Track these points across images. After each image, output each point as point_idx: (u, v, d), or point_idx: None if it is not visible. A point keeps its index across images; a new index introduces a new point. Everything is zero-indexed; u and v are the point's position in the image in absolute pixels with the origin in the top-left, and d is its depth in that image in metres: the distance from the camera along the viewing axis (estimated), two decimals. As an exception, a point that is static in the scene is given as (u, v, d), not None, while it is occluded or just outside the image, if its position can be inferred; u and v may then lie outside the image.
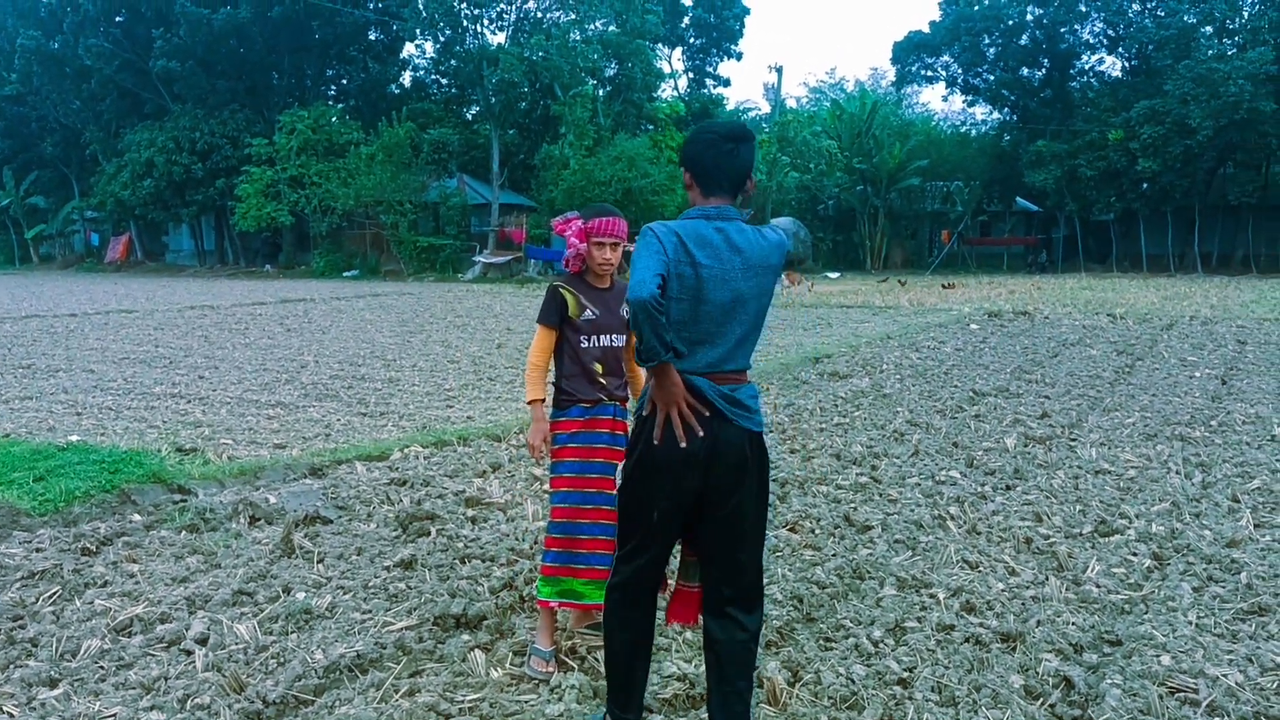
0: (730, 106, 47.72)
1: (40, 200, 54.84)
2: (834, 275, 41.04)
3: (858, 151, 45.70)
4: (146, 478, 6.64)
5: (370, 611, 4.66)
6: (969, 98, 49.33)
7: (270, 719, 3.69)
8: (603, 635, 3.70)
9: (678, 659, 4.12)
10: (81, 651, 4.20)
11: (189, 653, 4.20)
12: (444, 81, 47.74)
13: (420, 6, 39.00)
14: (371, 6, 45.55)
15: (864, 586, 5.01)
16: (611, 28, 40.48)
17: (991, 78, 47.07)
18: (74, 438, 8.21)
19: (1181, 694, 3.79)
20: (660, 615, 3.74)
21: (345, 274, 41.68)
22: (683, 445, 3.16)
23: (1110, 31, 45.25)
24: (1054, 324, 19.33)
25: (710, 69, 46.58)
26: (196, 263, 50.28)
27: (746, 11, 45.55)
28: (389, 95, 47.46)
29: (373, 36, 48.11)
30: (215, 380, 12.09)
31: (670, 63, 46.68)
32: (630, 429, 3.50)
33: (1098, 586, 4.94)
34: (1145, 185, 42.42)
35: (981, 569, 5.26)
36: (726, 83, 50.87)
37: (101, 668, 4.08)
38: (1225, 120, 38.06)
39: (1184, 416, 9.48)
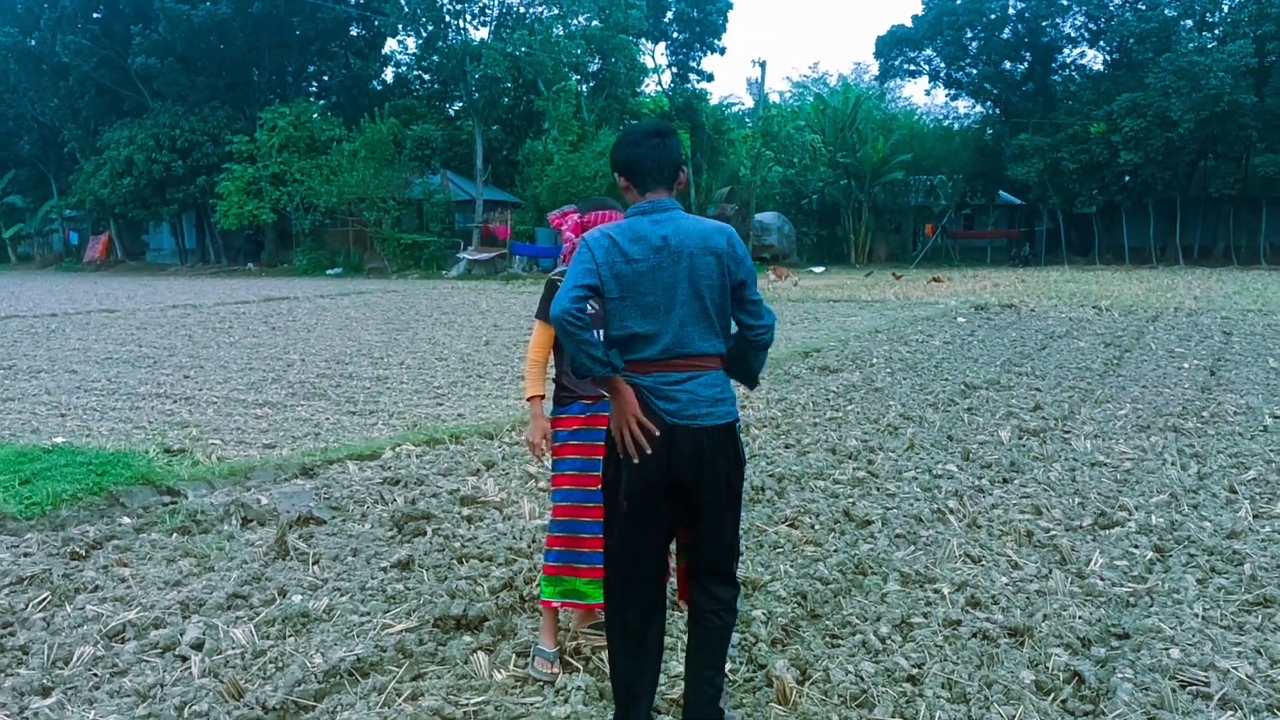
0: (714, 101, 47.64)
1: (18, 199, 54.36)
2: (819, 270, 41.08)
3: (841, 146, 45.75)
4: (135, 479, 6.53)
5: (369, 614, 4.58)
6: (952, 91, 49.51)
7: (270, 725, 3.62)
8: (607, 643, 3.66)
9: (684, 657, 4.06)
10: (74, 659, 4.11)
11: (184, 659, 4.11)
12: (426, 77, 47.53)
13: (402, 2, 38.76)
14: (353, 2, 45.26)
15: (867, 582, 4.96)
16: (595, 22, 40.34)
17: (974, 71, 47.19)
18: (59, 439, 8.09)
19: (1193, 687, 3.76)
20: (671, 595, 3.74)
21: (328, 272, 41.43)
22: (635, 461, 3.23)
23: (1092, 25, 45.46)
24: (1040, 317, 19.37)
25: (694, 64, 46.41)
26: (178, 261, 49.89)
27: (729, 6, 45.39)
28: (371, 91, 47.18)
29: (354, 32, 47.86)
30: (201, 380, 11.96)
31: (654, 58, 46.55)
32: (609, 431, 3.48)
33: (1102, 580, 4.91)
34: (1127, 178, 42.66)
35: (984, 563, 5.22)
36: (710, 78, 50.79)
37: (95, 675, 3.99)
38: (1206, 113, 38.27)
39: (1175, 408, 9.49)
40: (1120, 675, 3.83)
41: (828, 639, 4.30)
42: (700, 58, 46.73)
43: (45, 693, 3.84)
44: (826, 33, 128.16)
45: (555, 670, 4.00)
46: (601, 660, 4.09)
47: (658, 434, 3.21)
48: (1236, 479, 6.84)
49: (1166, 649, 4.07)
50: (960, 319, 18.91)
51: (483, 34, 41.40)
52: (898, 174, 45.61)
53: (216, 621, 4.45)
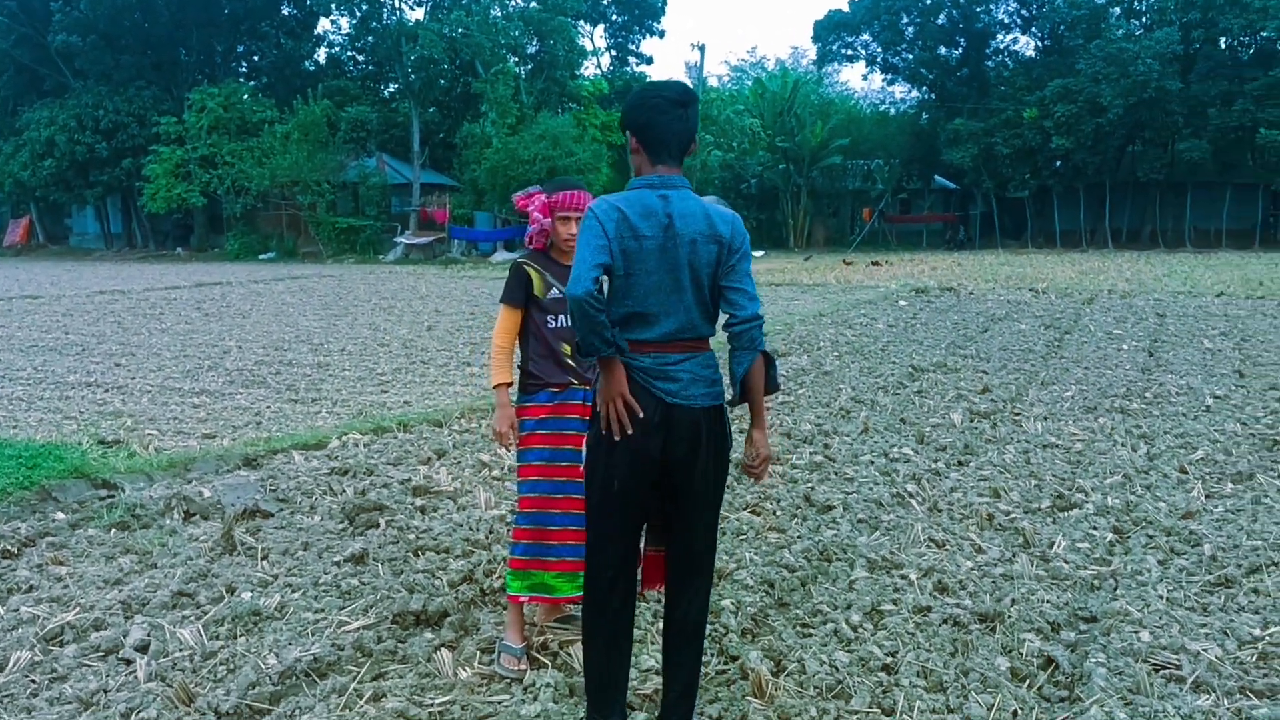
0: (653, 84, 47.39)
1: (-68, 181, 52.32)
2: (758, 254, 41.16)
3: (780, 130, 45.85)
4: (68, 472, 6.23)
5: (323, 610, 4.40)
6: (888, 76, 49.94)
7: (225, 731, 3.44)
8: (580, 632, 3.52)
9: (654, 651, 3.96)
10: (10, 664, 3.87)
11: (129, 662, 3.91)
12: (361, 58, 46.65)
13: (335, -20, 38.02)
14: (284, -20, 44.29)
15: (833, 569, 4.90)
16: (533, 4, 39.93)
17: (910, 56, 47.63)
18: (-15, 431, 7.74)
19: (1166, 670, 3.75)
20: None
21: (261, 256, 40.55)
22: (616, 438, 3.12)
23: (1024, 11, 46.11)
24: (979, 299, 19.58)
25: (633, 47, 46.31)
26: (103, 246, 48.46)
27: (668, -11, 45.30)
28: (303, 72, 46.18)
29: (285, 11, 46.76)
30: (133, 368, 11.56)
31: (592, 40, 46.30)
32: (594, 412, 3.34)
33: (1066, 562, 4.91)
34: (1059, 163, 43.43)
35: (949, 547, 5.19)
36: (649, 61, 50.60)
37: (33, 681, 3.77)
38: (1134, 99, 39.05)
39: (1119, 389, 9.61)
40: (1094, 660, 3.80)
41: (799, 628, 4.22)
42: (639, 41, 46.71)
43: (-20, 702, 3.62)
44: (765, 17, 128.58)
45: (522, 667, 3.87)
46: (569, 655, 3.97)
47: (642, 415, 3.11)
48: (1185, 459, 6.92)
49: (1136, 632, 4.06)
50: (902, 302, 19.05)
51: (418, 14, 40.84)
52: (835, 158, 45.82)
53: (162, 622, 4.24)
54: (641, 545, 3.46)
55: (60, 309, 19.10)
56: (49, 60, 43.98)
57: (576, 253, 3.07)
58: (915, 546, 5.17)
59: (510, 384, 4.08)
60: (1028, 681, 3.73)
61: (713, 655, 3.96)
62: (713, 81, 55.63)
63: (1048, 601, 4.45)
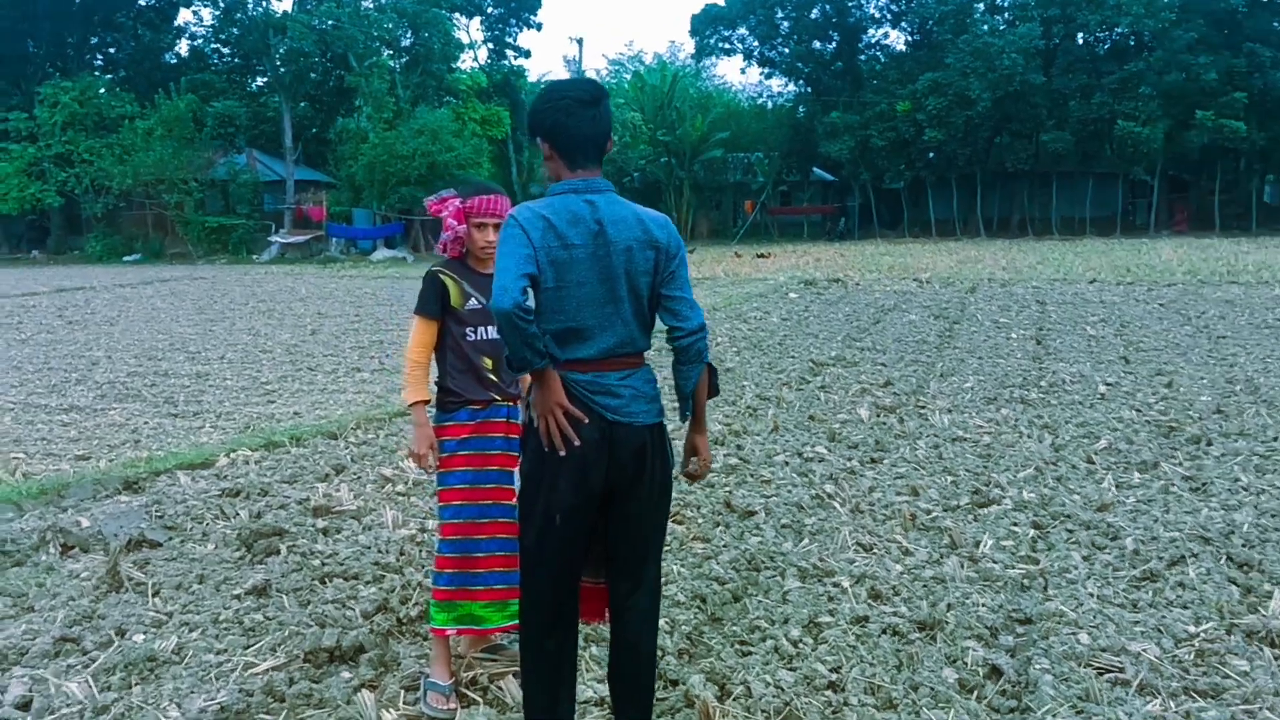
0: (532, 78, 46.93)
1: None
2: (643, 247, 41.11)
3: (661, 124, 45.90)
4: (-75, 506, 5.69)
5: (226, 651, 4.05)
6: (765, 70, 50.41)
7: (125, 801, 3.10)
8: (511, 662, 3.28)
9: (591, 680, 3.75)
10: None
11: (8, 724, 3.51)
12: (226, 51, 44.72)
13: (195, -31, 36.44)
14: (139, -32, 42.23)
15: (763, 579, 4.76)
16: (407, -5, 39.04)
17: (786, 50, 48.21)
18: None
19: (1110, 674, 3.71)
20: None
21: (126, 258, 38.60)
22: (561, 453, 2.89)
23: (894, 6, 47.18)
24: (867, 290, 19.88)
25: (510, 39, 45.58)
26: (-51, 250, 45.48)
27: (544, -19, 44.83)
28: (164, 65, 44.08)
29: (143, 2, 44.55)
30: (-9, 383, 10.76)
31: (469, 33, 45.47)
32: (524, 435, 3.11)
33: (994, 563, 4.88)
34: (931, 154, 44.61)
35: (876, 551, 5.11)
36: (527, 54, 50.17)
37: (-105, 754, 3.35)
38: (1001, 92, 40.36)
39: (1016, 379, 9.78)
40: (1038, 666, 3.75)
41: (738, 646, 4.06)
42: (517, 33, 46.06)
43: None
44: (641, 11, 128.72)
45: (451, 705, 3.61)
46: (501, 690, 3.72)
47: (586, 421, 2.90)
48: (1090, 449, 7.03)
49: (1074, 634, 4.03)
50: (792, 295, 19.19)
51: (286, 5, 39.46)
52: (716, 152, 46.13)
53: (44, 673, 3.84)
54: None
55: (-95, 320, 17.77)
56: (-118, 52, 41.08)
57: (498, 262, 2.82)
58: (844, 552, 5.07)
59: (427, 401, 3.81)
60: (975, 693, 3.65)
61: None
62: (591, 74, 55.31)
63: (982, 605, 4.39)
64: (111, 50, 45.85)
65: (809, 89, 49.04)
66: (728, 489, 6.19)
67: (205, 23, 44.42)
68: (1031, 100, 41.48)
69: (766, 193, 49.69)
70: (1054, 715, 3.39)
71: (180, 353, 13.00)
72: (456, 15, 43.65)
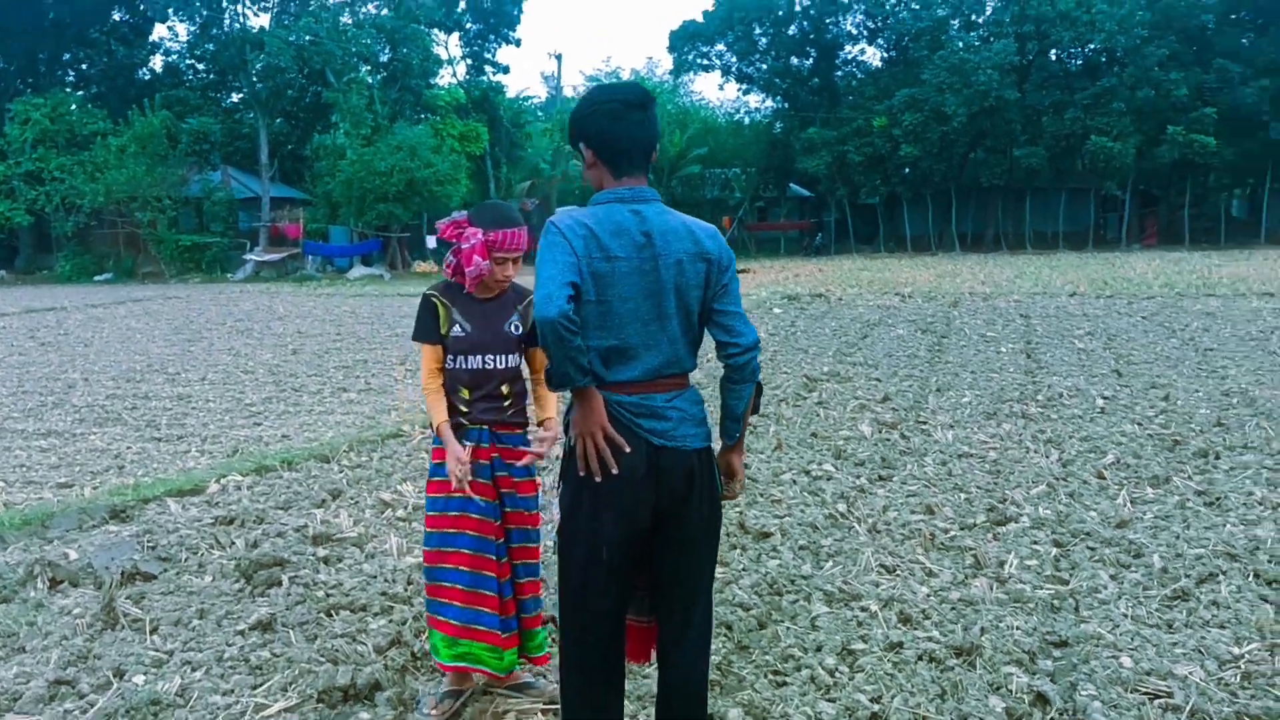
0: (511, 94, 46.77)
1: None
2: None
3: (638, 139, 45.88)
4: (-95, 538, 5.44)
5: (233, 692, 3.85)
6: (743, 86, 50.57)
7: None
8: (539, 698, 3.14)
9: None
10: None
11: (5, 773, 3.31)
12: (201, 67, 44.34)
13: (170, -15, 36.11)
14: (113, -16, 41.81)
15: (786, 604, 4.61)
16: (385, 11, 38.82)
17: (764, 66, 48.39)
18: None
19: (1160, 700, 3.59)
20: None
21: (97, 278, 38.05)
22: (597, 480, 2.72)
23: (870, 23, 47.43)
24: (850, 305, 19.83)
25: (489, 55, 45.42)
26: (-85, 270, 44.71)
27: (522, -3, 44.78)
28: (138, 82, 43.70)
29: (117, 17, 44.10)
30: (-33, 407, 10.46)
31: (448, 49, 45.28)
32: (563, 462, 2.92)
33: (1022, 583, 4.75)
34: (907, 170, 44.83)
35: (899, 572, 4.98)
36: (506, 70, 50.09)
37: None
38: (976, 107, 40.66)
39: (1013, 393, 9.70)
40: (1084, 693, 3.62)
41: (771, 676, 3.90)
42: (495, 49, 45.90)
43: None
44: (619, 28, 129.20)
45: (438, 711, 3.59)
46: (529, 728, 3.55)
47: (629, 449, 2.72)
48: (1098, 464, 6.93)
49: (1115, 657, 3.91)
50: (776, 310, 19.10)
51: (263, 20, 39.09)
52: (694, 168, 46.20)
53: None
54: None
55: (-127, 342, 17.36)
56: None
57: (540, 271, 2.64)
58: (867, 574, 4.93)
59: (448, 421, 3.67)
60: (1023, 722, 3.52)
61: None
62: (569, 91, 55.34)
63: (1017, 628, 4.26)
64: (84, 66, 45.31)
65: (786, 105, 49.22)
66: (739, 509, 6.04)
67: (180, 38, 44.15)
68: (1006, 116, 41.79)
69: (744, 208, 49.78)
70: (1110, 747, 3.26)
71: (159, 374, 12.72)
72: (435, 31, 43.48)
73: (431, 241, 38.73)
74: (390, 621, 4.49)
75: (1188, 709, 3.51)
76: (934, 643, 4.11)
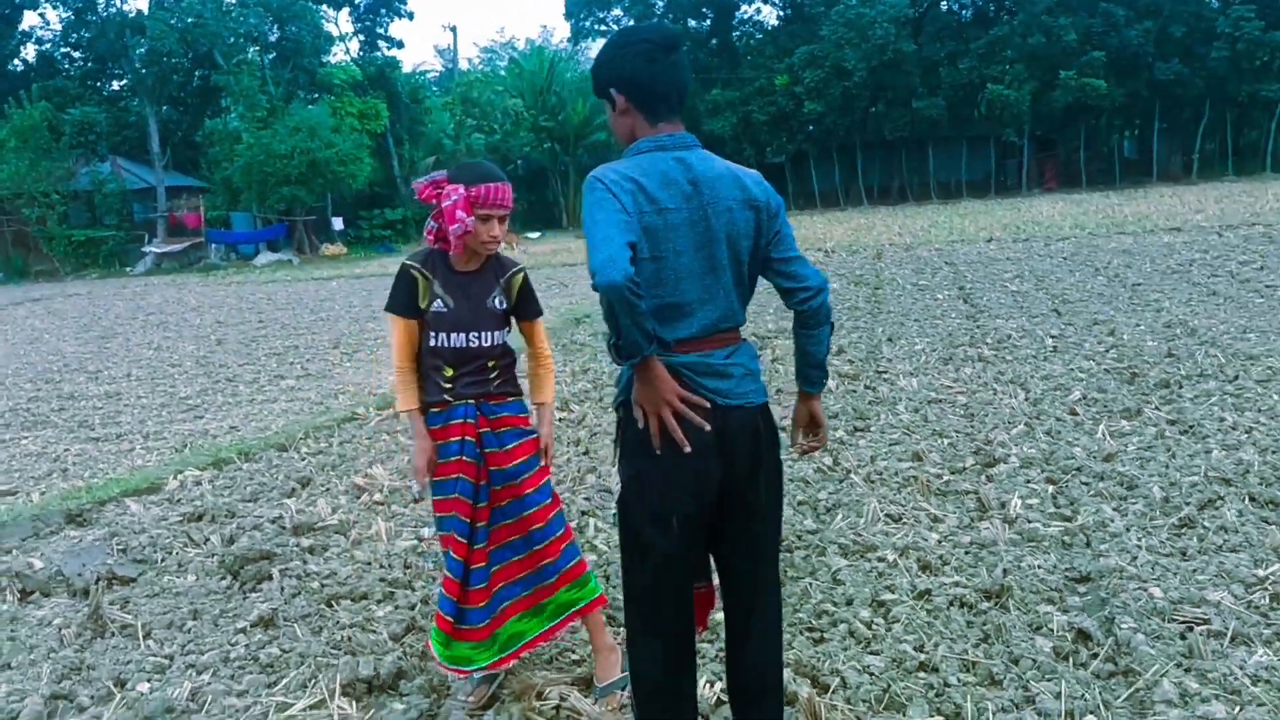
0: (407, 69, 45.73)
1: None
2: (534, 235, 40.68)
3: (542, 109, 45.42)
4: None
5: (248, 693, 3.64)
6: (643, 50, 50.20)
7: None
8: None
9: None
10: None
11: (20, 803, 3.06)
12: (77, 55, 42.33)
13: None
14: (-24, -29, 39.53)
15: (800, 560, 4.54)
16: (271, -12, 37.53)
17: (663, 31, 48.13)
18: None
19: (1201, 627, 3.61)
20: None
21: (-16, 279, 36.27)
22: (687, 449, 2.52)
23: (765, -19, 47.53)
24: (776, 263, 19.84)
25: (382, 30, 44.32)
26: None
27: (411, -31, 43.69)
28: (10, 73, 41.47)
29: (-17, 6, 41.81)
30: (-125, 421, 9.81)
31: (338, 25, 44.10)
32: (619, 428, 2.75)
33: (1030, 522, 4.76)
34: (811, 127, 45.19)
35: (905, 520, 4.95)
36: (400, 44, 48.98)
37: None
38: (875, 61, 41.10)
39: (963, 338, 9.80)
40: (1124, 626, 3.62)
41: (807, 634, 3.83)
42: (388, 24, 44.91)
43: None
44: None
45: (474, 699, 3.46)
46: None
47: (708, 405, 2.55)
48: (1067, 401, 7.02)
49: (1143, 588, 3.93)
50: (704, 272, 19.03)
51: (142, 3, 37.48)
52: (600, 135, 45.84)
53: (45, 741, 3.38)
54: None
55: None
56: None
57: (593, 233, 2.40)
58: (875, 524, 4.89)
59: (420, 408, 3.42)
60: (1070, 659, 3.50)
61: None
62: (464, 64, 54.36)
63: (1038, 567, 4.26)
64: (-50, 59, 42.91)
65: (687, 67, 49.07)
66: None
67: (53, 26, 42.03)
68: (904, 68, 42.32)
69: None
70: (1169, 678, 3.26)
71: (79, 373, 12.12)
72: (324, 7, 42.20)
73: (338, 223, 37.83)
74: (396, 608, 4.30)
75: (1229, 634, 3.54)
76: (961, 588, 4.08)
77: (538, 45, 57.63)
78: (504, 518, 3.46)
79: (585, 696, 3.44)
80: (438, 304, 3.36)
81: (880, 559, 4.46)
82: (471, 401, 3.41)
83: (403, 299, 3.38)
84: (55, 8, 38.60)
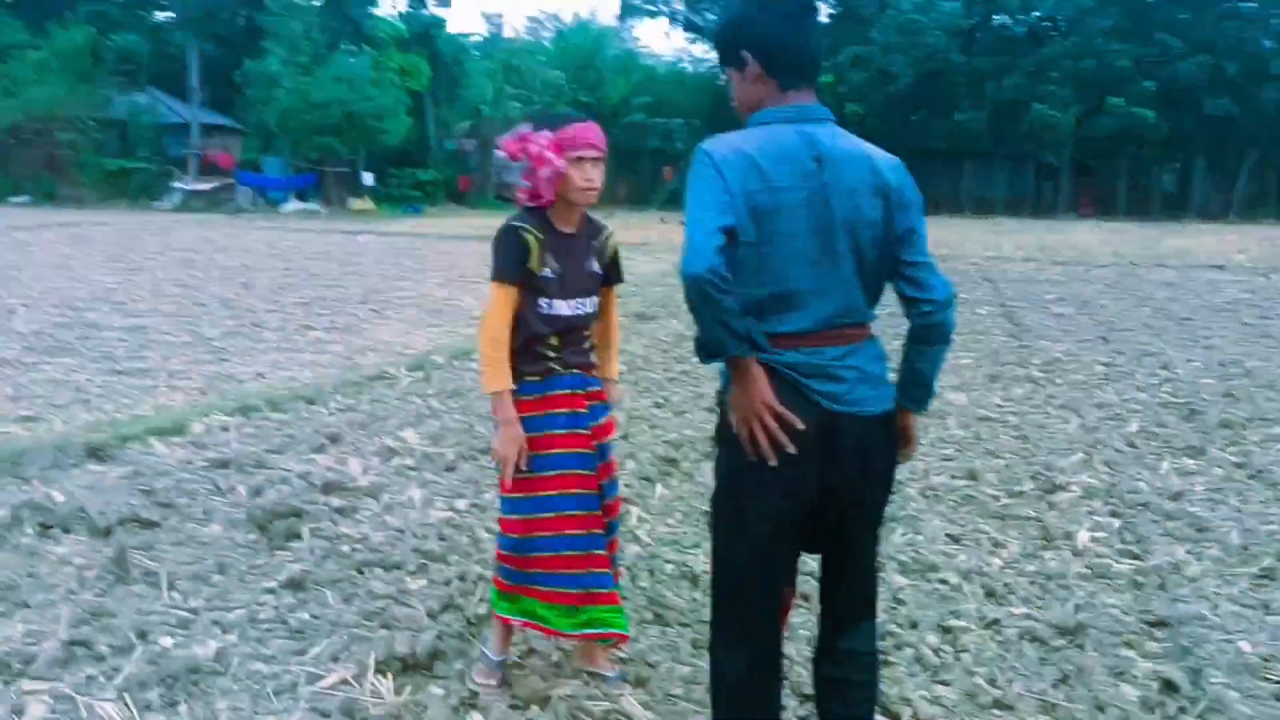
0: (452, 30, 45.48)
1: None
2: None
3: (583, 84, 45.11)
4: None
5: (276, 659, 3.43)
6: (690, 35, 49.95)
7: None
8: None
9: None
10: None
11: (33, 754, 2.86)
12: (125, -20, 42.13)
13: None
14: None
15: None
16: (326, -66, 37.23)
17: (711, 16, 47.72)
18: None
19: (1295, 690, 3.38)
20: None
21: (12, 199, 36.11)
22: (772, 462, 2.30)
23: (820, -22, 47.05)
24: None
25: (430, -12, 44.15)
26: None
27: (466, -70, 43.32)
28: (55, -9, 41.33)
29: (34, -77, 41.57)
30: (-104, 331, 9.66)
31: (387, -22, 43.84)
32: (719, 419, 2.52)
33: (1099, 558, 4.52)
34: (852, 129, 44.73)
35: (965, 542, 4.72)
36: (447, 4, 48.50)
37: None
38: (923, 69, 40.78)
39: (1009, 357, 9.54)
40: (1214, 680, 3.39)
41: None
42: (437, -18, 44.43)
43: None
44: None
45: (498, 683, 3.25)
46: None
47: (801, 426, 2.30)
48: (1123, 432, 6.77)
49: (1227, 641, 3.69)
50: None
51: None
52: (638, 116, 45.55)
53: (63, 686, 3.17)
54: None
55: None
56: None
57: (689, 212, 2.21)
58: (935, 543, 4.66)
59: (512, 389, 3.10)
60: (1158, 711, 3.27)
61: (798, 699, 3.28)
62: (509, 32, 53.96)
63: (1112, 606, 4.02)
64: (-3, -26, 42.72)
65: (732, 57, 48.71)
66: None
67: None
68: (951, 79, 41.98)
69: (685, 160, 49.31)
70: (1268, 742, 3.04)
71: (104, 304, 11.94)
72: (375, -40, 41.90)
73: (369, 178, 37.59)
74: (431, 582, 4.08)
75: (1328, 700, 3.31)
76: (1032, 620, 3.85)
77: (583, 20, 57.24)
78: (610, 494, 3.28)
79: (635, 699, 3.22)
80: (548, 270, 3.09)
81: (942, 580, 4.23)
82: (578, 371, 3.19)
83: (515, 261, 3.06)
84: (107, -69, 38.32)
